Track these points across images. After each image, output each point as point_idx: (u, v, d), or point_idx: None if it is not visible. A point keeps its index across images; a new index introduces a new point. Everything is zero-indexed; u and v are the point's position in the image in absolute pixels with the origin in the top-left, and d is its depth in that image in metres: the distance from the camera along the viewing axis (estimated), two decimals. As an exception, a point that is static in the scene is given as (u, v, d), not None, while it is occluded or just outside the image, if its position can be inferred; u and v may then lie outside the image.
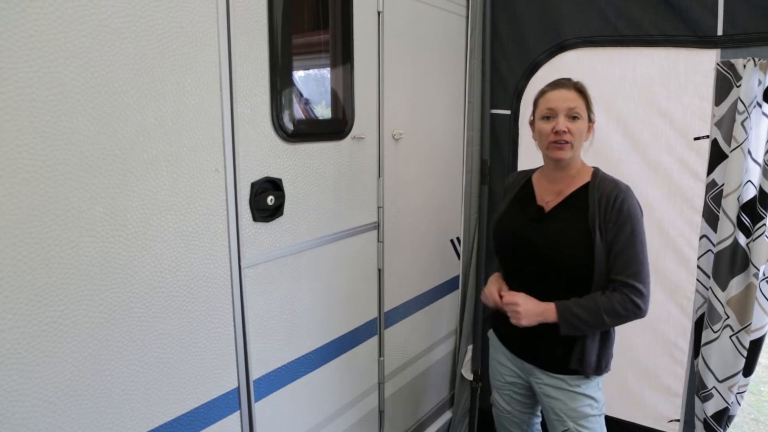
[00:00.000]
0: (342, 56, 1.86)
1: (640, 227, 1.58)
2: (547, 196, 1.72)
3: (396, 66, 2.12)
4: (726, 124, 2.08)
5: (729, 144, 2.07)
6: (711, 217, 2.16)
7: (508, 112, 2.59)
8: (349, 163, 1.92)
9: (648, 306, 1.56)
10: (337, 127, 1.87)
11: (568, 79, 1.69)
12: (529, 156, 2.51)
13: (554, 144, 1.64)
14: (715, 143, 2.12)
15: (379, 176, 2.09)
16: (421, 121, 2.32)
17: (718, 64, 2.07)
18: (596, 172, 1.68)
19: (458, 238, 2.71)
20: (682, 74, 2.17)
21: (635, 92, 2.26)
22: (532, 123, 1.75)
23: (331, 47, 1.83)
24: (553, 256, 1.61)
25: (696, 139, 2.17)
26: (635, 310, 1.55)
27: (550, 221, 1.66)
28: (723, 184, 2.09)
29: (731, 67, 2.04)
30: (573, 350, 1.65)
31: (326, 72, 1.84)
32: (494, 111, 2.62)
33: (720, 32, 2.07)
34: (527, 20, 2.49)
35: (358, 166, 1.97)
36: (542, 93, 1.70)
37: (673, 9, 2.15)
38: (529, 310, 1.63)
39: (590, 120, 1.67)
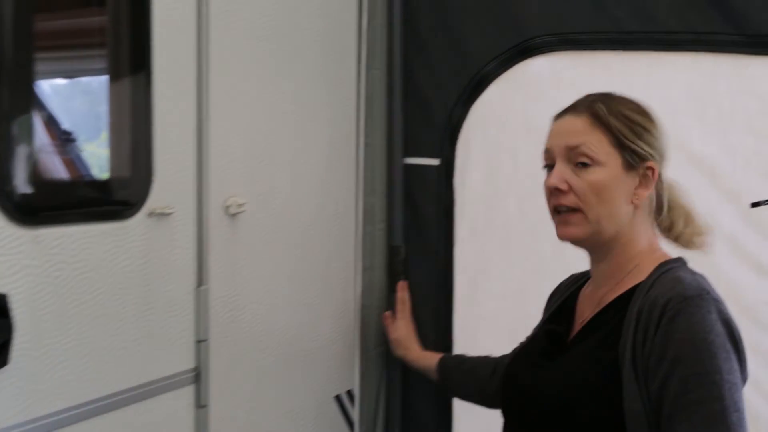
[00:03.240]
0: (131, 59, 1.88)
1: (716, 372, 1.50)
2: (587, 310, 1.75)
3: (234, 79, 2.15)
4: (802, 179, 2.15)
5: (809, 214, 2.14)
6: (790, 341, 2.17)
7: (435, 161, 2.63)
8: (143, 263, 1.89)
9: None
10: (119, 193, 1.90)
11: (586, 97, 1.73)
12: (487, 236, 2.57)
13: (556, 215, 1.68)
14: (785, 212, 2.19)
15: (201, 284, 2.07)
16: (279, 180, 2.35)
17: (780, 80, 2.18)
18: (664, 265, 1.66)
19: (350, 393, 2.69)
20: (724, 96, 2.22)
21: (650, 126, 2.31)
22: None
23: (109, 41, 1.85)
24: (557, 416, 1.63)
25: (754, 205, 2.21)
26: None
27: (568, 356, 1.70)
28: (806, 283, 2.13)
29: (802, 84, 2.13)
30: None
31: (102, 87, 1.88)
32: (411, 160, 2.67)
33: (781, 29, 2.17)
34: (467, 7, 2.55)
35: (160, 267, 1.95)
36: (551, 124, 1.78)
37: (705, -7, 2.26)
38: None
39: (631, 164, 1.66)
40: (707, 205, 2.17)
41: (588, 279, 1.86)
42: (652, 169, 1.68)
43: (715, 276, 2.16)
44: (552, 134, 1.71)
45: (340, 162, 2.59)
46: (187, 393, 2.03)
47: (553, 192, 1.65)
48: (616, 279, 1.69)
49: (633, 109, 1.69)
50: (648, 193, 1.69)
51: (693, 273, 1.64)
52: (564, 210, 1.64)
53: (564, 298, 1.89)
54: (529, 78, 2.43)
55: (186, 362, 2.02)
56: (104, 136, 1.91)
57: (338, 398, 2.63)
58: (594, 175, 1.62)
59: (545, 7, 2.42)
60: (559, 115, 1.74)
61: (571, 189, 1.62)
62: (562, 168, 1.64)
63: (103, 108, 1.88)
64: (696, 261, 2.20)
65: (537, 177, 1.79)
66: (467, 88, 2.51)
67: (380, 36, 2.58)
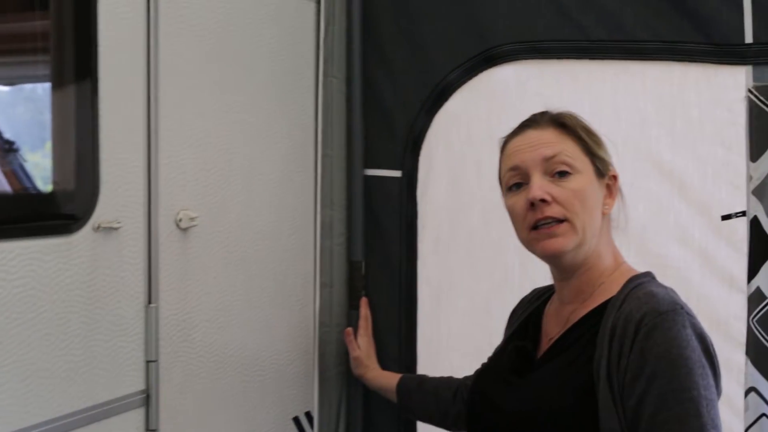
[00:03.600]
0: (76, 66, 1.84)
1: (693, 387, 1.51)
2: (555, 328, 1.75)
3: (184, 87, 2.12)
4: (772, 190, 2.19)
5: (779, 225, 2.16)
6: (761, 355, 2.19)
7: (397, 173, 2.63)
8: (89, 280, 1.84)
9: None
10: (64, 206, 1.85)
11: (544, 113, 1.74)
12: (451, 250, 2.56)
13: (535, 231, 1.65)
14: (756, 224, 2.19)
15: (150, 302, 2.03)
16: (232, 192, 2.31)
17: (749, 91, 2.16)
18: (634, 280, 1.67)
19: (309, 414, 2.67)
20: (693, 107, 2.23)
21: (618, 137, 2.18)
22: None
23: (53, 47, 1.82)
24: None
25: (725, 218, 2.22)
26: None
27: (539, 374, 1.69)
28: (776, 296, 2.17)
29: (772, 94, 2.17)
30: None
31: (45, 95, 1.87)
32: (371, 172, 2.66)
33: (750, 39, 2.14)
34: (429, 13, 2.54)
35: (107, 285, 1.90)
36: (503, 145, 1.77)
37: (673, 1, 2.25)
38: None
39: (601, 172, 1.70)
40: (677, 218, 2.28)
41: (552, 294, 1.87)
42: (615, 178, 1.74)
43: (685, 290, 2.16)
44: (519, 150, 1.70)
45: (297, 173, 2.56)
46: (136, 416, 1.99)
47: (534, 205, 1.63)
48: (584, 296, 1.71)
49: (585, 123, 1.74)
50: (614, 203, 1.73)
51: (664, 287, 1.65)
52: (548, 222, 1.63)
53: (527, 314, 1.91)
54: (494, 87, 2.43)
55: (135, 384, 1.98)
56: (48, 146, 1.89)
57: (296, 420, 2.60)
58: (575, 182, 1.64)
59: (510, 15, 2.41)
60: (517, 132, 1.75)
61: (554, 200, 1.62)
62: (540, 180, 1.64)
63: (46, 117, 1.85)
64: (666, 275, 2.16)
65: (502, 189, 1.80)
66: (430, 97, 2.52)
67: (338, 42, 2.57)
